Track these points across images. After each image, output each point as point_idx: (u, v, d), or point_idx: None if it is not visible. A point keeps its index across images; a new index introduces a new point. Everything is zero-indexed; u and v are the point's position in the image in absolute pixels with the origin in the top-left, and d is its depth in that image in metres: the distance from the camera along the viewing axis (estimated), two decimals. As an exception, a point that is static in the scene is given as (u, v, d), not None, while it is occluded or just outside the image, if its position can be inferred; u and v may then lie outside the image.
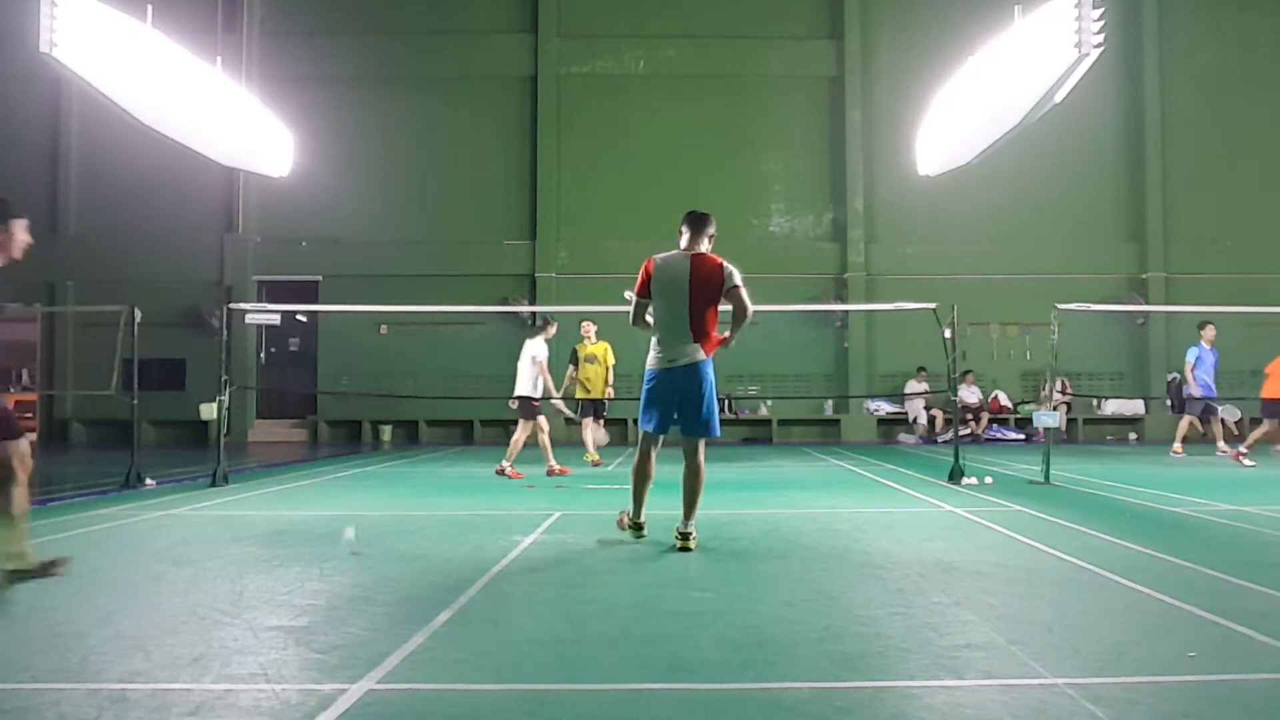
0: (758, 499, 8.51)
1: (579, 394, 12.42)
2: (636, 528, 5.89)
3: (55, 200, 19.42)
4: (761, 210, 19.75)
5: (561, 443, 16.51)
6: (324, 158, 17.15)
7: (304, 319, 19.46)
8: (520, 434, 10.83)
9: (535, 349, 10.76)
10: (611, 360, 12.45)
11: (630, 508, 5.90)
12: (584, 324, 12.55)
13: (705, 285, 5.51)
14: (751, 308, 5.57)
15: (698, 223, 5.66)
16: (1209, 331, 13.22)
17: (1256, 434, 12.66)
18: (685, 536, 5.55)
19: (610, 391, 12.48)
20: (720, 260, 5.61)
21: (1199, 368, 13.41)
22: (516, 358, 10.88)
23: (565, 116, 19.59)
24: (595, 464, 12.21)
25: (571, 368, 12.55)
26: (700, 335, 5.55)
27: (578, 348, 12.56)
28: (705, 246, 5.68)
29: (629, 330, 5.81)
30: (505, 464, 10.51)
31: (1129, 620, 3.78)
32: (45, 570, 4.59)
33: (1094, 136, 19.14)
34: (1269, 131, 19.35)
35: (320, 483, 10.10)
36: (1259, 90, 19.40)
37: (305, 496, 8.68)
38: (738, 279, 5.54)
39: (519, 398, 10.77)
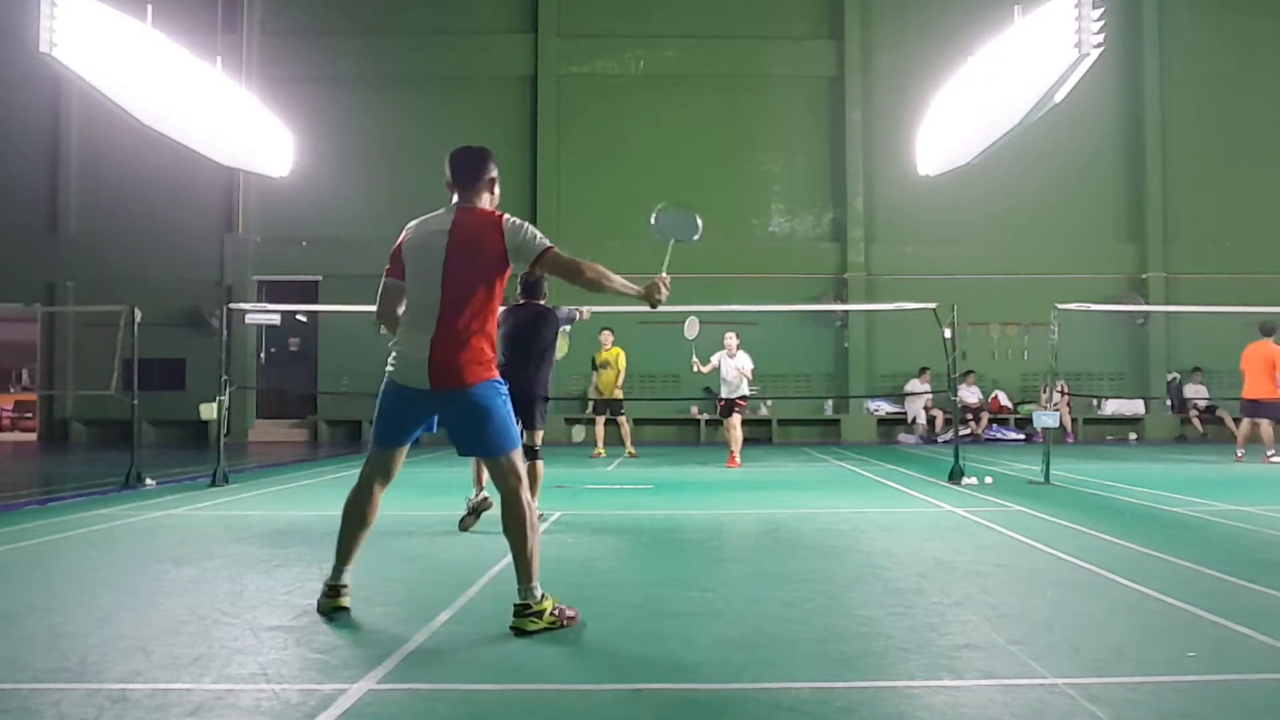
0: (758, 499, 8.51)
1: (592, 395, 14.25)
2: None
3: (55, 200, 19.41)
4: (761, 210, 19.75)
5: (564, 442, 16.52)
6: (324, 158, 17.15)
7: (304, 319, 19.46)
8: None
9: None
10: (623, 365, 14.10)
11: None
12: (603, 332, 14.11)
13: None
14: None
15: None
16: None
17: (1243, 434, 12.82)
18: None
19: (619, 393, 14.20)
20: None
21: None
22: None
23: (565, 116, 19.58)
24: (596, 456, 13.80)
25: (594, 372, 14.43)
26: None
27: (595, 355, 14.27)
28: None
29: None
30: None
31: (1129, 620, 3.78)
32: None
33: (1094, 136, 19.13)
34: (1269, 132, 19.34)
35: (320, 483, 10.10)
36: (1259, 91, 19.39)
37: (305, 496, 8.69)
38: None
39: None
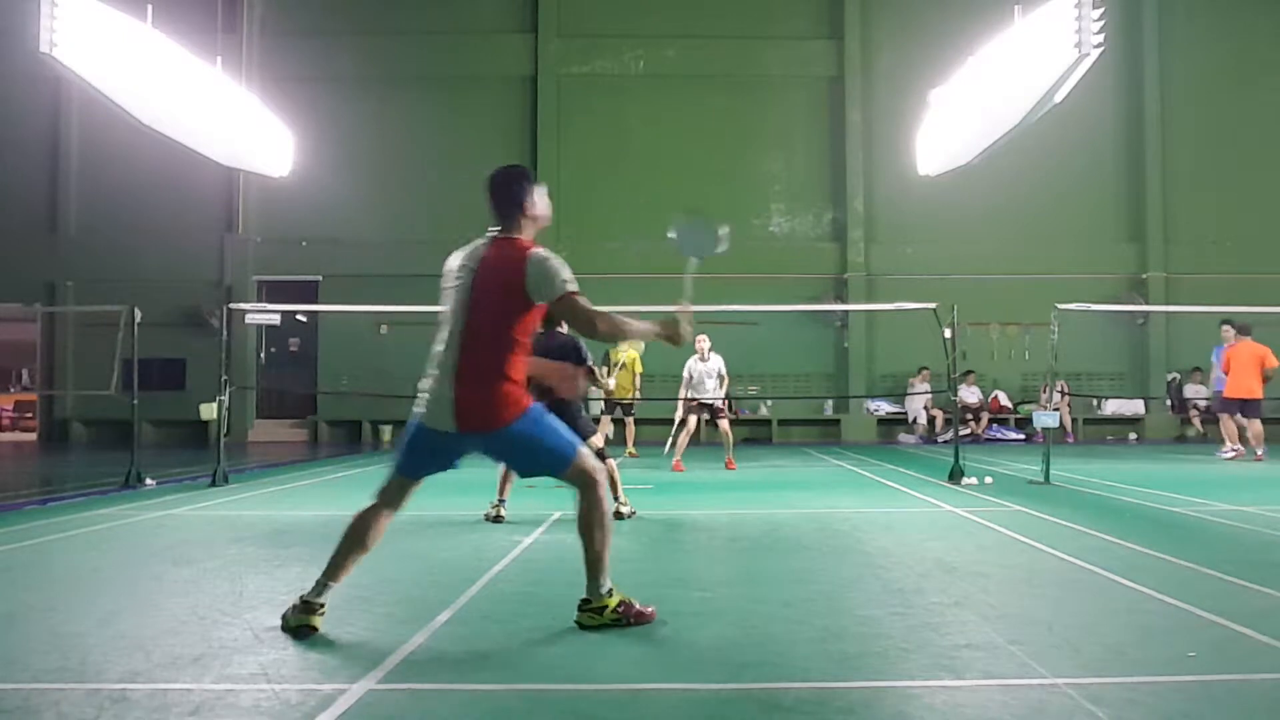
0: (758, 499, 8.50)
1: (606, 396, 13.80)
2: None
3: (55, 200, 19.43)
4: (761, 210, 19.75)
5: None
6: (324, 158, 17.15)
7: (304, 319, 19.46)
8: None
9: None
10: (640, 369, 13.85)
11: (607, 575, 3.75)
12: None
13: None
14: None
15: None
16: (1228, 331, 13.18)
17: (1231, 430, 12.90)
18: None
19: (637, 394, 13.98)
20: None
21: (1219, 366, 13.41)
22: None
23: (565, 116, 19.59)
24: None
25: (604, 369, 13.95)
26: None
27: (610, 352, 13.94)
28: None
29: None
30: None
31: (1129, 620, 3.78)
32: None
33: (1094, 136, 19.14)
34: (1269, 131, 19.35)
35: (320, 483, 10.10)
36: (1259, 90, 19.40)
37: (305, 496, 8.69)
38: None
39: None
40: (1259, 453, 12.47)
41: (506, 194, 3.82)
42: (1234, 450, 12.79)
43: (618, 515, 6.90)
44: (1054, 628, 3.62)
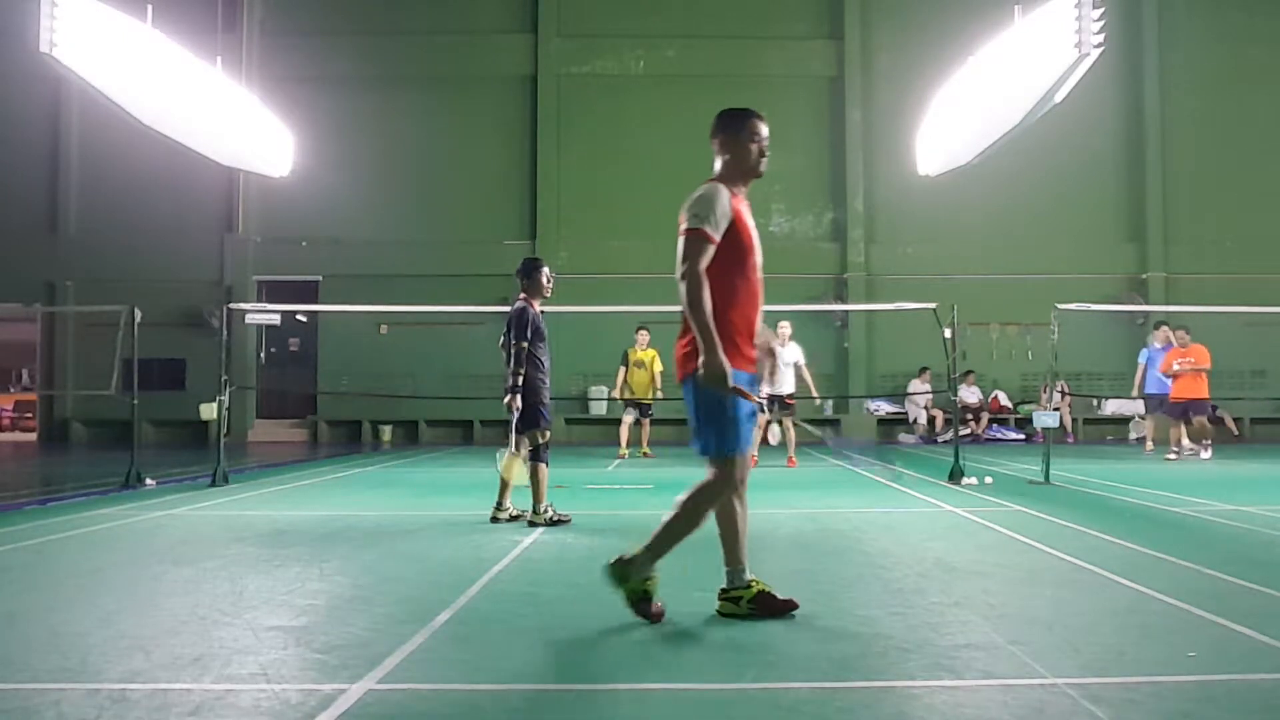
0: (758, 499, 8.48)
1: (625, 395, 13.73)
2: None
3: (55, 200, 19.44)
4: (761, 210, 19.65)
5: (575, 442, 16.49)
6: (324, 158, 17.15)
7: (304, 319, 19.47)
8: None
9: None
10: (659, 367, 13.67)
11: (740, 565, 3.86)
12: (639, 331, 13.81)
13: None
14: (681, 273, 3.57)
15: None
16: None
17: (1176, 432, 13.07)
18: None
19: (658, 393, 13.76)
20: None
21: (1151, 368, 13.54)
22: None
23: (565, 116, 19.59)
24: (621, 458, 13.48)
25: (622, 369, 13.83)
26: None
27: (629, 351, 13.80)
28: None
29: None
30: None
31: (1129, 620, 3.78)
32: None
33: (1094, 136, 19.14)
34: (1269, 131, 19.34)
35: (320, 483, 10.11)
36: (1260, 90, 19.39)
37: (305, 496, 8.68)
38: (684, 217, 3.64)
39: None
40: (1206, 454, 12.68)
41: (711, 130, 3.78)
42: (1176, 451, 12.93)
43: (494, 519, 6.60)
44: (1054, 628, 3.62)
